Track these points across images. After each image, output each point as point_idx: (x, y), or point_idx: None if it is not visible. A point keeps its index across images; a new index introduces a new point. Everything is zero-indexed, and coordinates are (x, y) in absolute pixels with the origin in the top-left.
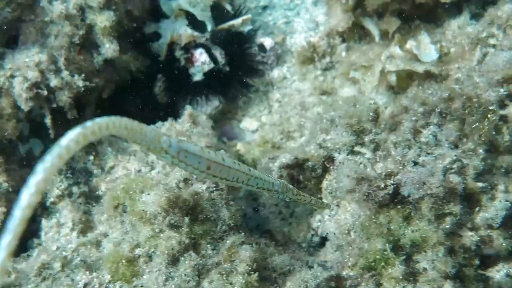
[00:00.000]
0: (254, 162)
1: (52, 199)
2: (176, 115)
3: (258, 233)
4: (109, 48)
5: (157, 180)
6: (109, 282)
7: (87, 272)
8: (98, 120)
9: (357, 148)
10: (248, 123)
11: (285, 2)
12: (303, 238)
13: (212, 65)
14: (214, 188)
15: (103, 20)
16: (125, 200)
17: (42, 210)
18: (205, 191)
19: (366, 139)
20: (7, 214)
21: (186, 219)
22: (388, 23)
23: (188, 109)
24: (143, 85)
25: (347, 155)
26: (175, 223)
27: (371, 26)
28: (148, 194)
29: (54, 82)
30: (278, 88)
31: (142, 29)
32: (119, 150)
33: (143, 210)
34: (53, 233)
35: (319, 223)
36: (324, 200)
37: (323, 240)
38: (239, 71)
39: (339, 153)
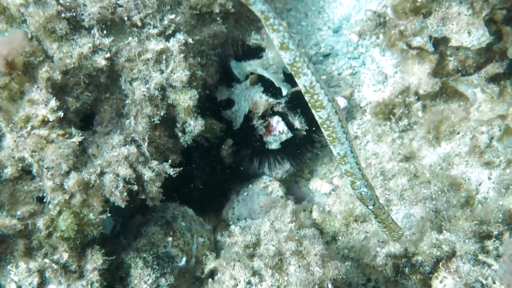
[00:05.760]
0: (335, 236)
1: None
2: (240, 176)
3: None
4: (195, 125)
5: None
6: None
7: None
8: None
9: (482, 257)
10: (318, 184)
11: (348, 50)
12: None
13: (290, 135)
14: None
15: (186, 99)
16: None
17: None
18: None
19: (491, 246)
20: None
21: None
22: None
23: (290, 205)
24: (209, 147)
25: (473, 266)
26: None
27: (470, 92)
28: None
29: (147, 175)
30: None
31: (214, 93)
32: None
33: None
34: None
35: None
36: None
37: None
38: (309, 131)
39: (463, 263)
